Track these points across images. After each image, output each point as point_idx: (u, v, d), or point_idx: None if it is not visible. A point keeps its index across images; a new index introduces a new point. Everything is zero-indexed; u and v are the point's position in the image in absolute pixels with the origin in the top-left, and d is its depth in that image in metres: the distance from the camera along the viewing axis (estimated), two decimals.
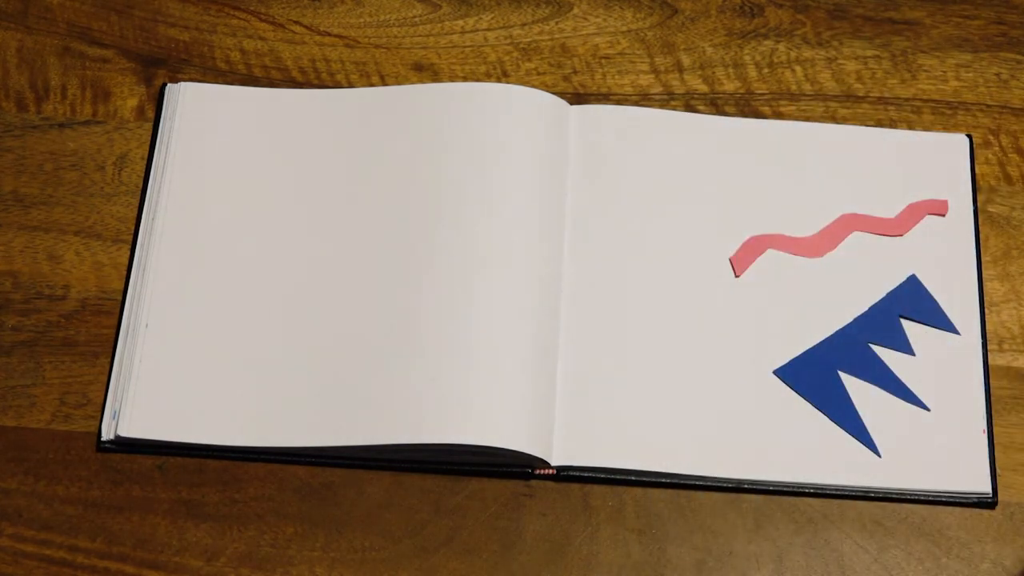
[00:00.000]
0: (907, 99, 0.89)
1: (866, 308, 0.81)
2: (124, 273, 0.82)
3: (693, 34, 0.91)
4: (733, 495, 0.77)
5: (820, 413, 0.78)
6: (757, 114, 0.88)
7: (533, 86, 0.86)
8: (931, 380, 0.79)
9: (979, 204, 0.85)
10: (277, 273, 0.81)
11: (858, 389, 0.79)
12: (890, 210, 0.84)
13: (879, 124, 0.88)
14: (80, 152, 0.86)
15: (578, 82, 0.89)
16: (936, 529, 0.76)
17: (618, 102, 0.88)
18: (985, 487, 0.77)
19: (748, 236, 0.83)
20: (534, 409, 0.76)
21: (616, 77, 0.89)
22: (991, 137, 0.87)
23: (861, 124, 0.87)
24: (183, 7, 0.91)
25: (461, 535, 0.76)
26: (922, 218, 0.84)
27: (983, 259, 0.83)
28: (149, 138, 0.86)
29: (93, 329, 0.80)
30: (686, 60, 0.90)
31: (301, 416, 0.77)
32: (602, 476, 0.77)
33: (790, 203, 0.84)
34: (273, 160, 0.84)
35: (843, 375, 0.79)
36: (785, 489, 0.77)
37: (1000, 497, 0.77)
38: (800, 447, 0.77)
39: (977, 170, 0.86)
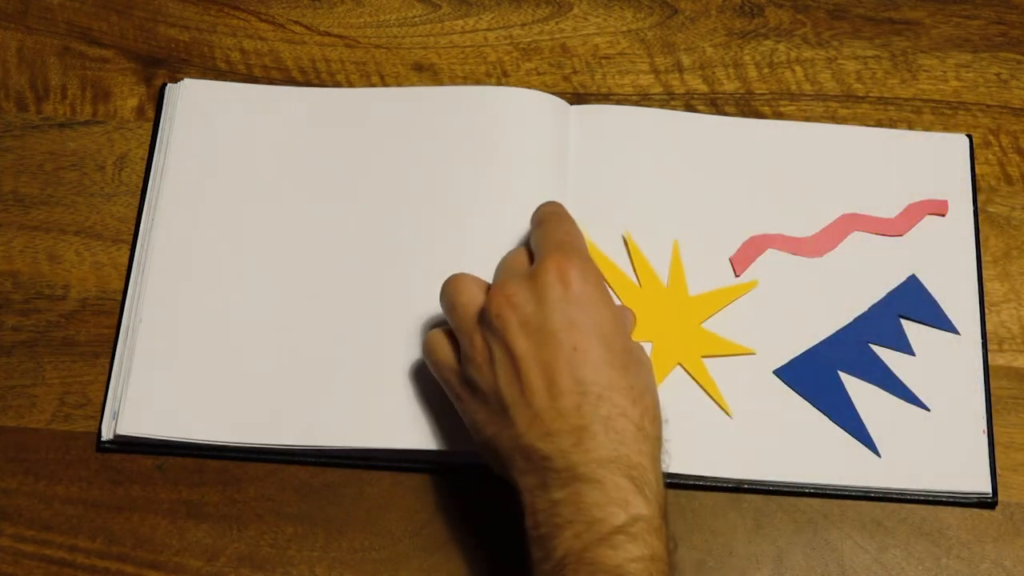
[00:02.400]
0: (907, 99, 0.89)
1: (866, 308, 0.81)
2: (124, 273, 0.82)
3: (693, 34, 0.91)
4: (733, 495, 0.77)
5: (820, 413, 0.78)
6: (757, 114, 0.88)
7: (533, 86, 0.86)
8: (931, 380, 0.79)
9: (979, 204, 0.85)
10: (277, 273, 0.81)
11: (858, 389, 0.79)
12: (890, 210, 0.84)
13: (879, 124, 0.88)
14: (80, 152, 0.86)
15: (578, 82, 0.89)
16: (936, 529, 0.76)
17: (618, 102, 0.88)
18: (985, 487, 0.77)
19: (748, 236, 0.83)
20: None
21: (616, 77, 0.89)
22: (991, 137, 0.87)
23: (861, 124, 0.87)
24: (183, 7, 0.91)
25: (461, 535, 0.76)
26: (922, 218, 0.84)
27: (983, 259, 0.83)
28: (149, 138, 0.86)
29: (93, 329, 0.80)
30: (686, 60, 0.90)
31: (301, 416, 0.77)
32: None
33: (790, 203, 0.84)
34: (273, 159, 0.84)
35: (843, 375, 0.79)
36: (785, 489, 0.77)
37: (1000, 497, 0.77)
38: (800, 447, 0.77)
39: (977, 170, 0.86)
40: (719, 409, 0.78)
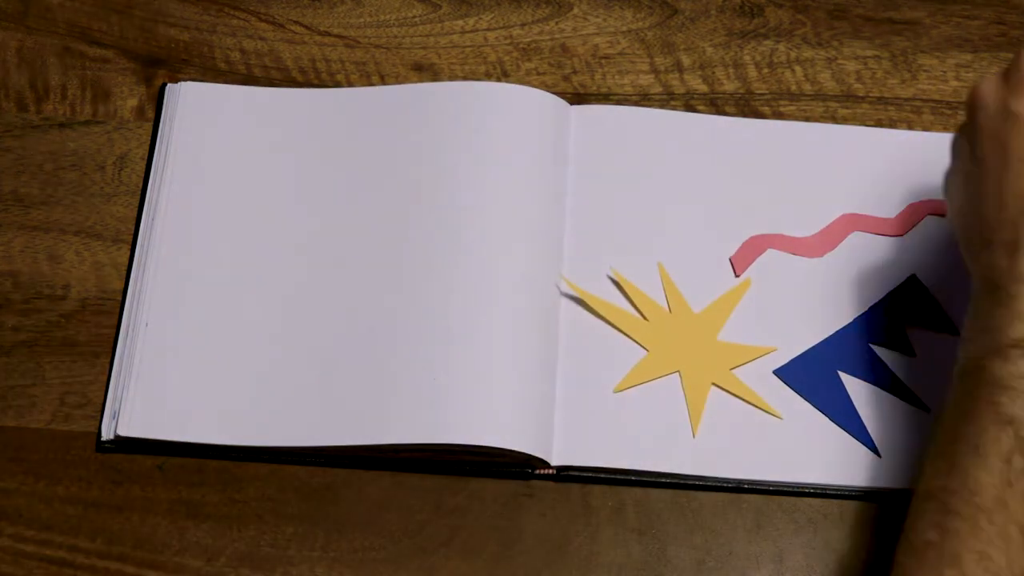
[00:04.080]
0: (907, 99, 0.89)
1: (866, 308, 0.81)
2: (124, 273, 0.82)
3: (693, 34, 0.91)
4: (733, 495, 0.77)
5: (820, 413, 0.78)
6: (757, 114, 0.88)
7: (533, 86, 0.86)
8: (931, 380, 0.79)
9: None
10: (277, 272, 0.81)
11: (858, 389, 0.79)
12: (890, 210, 0.84)
13: (879, 124, 0.88)
14: (80, 152, 0.86)
15: (578, 82, 0.89)
16: None
17: (618, 102, 0.88)
18: None
19: (748, 236, 0.83)
20: (534, 409, 0.76)
21: (616, 77, 0.89)
22: None
23: (861, 124, 0.87)
24: (183, 7, 0.91)
25: (461, 535, 0.76)
26: (922, 218, 0.84)
27: None
28: (149, 138, 0.86)
29: (93, 329, 0.80)
30: (686, 60, 0.90)
31: (301, 416, 0.77)
32: (602, 476, 0.77)
33: (790, 203, 0.84)
34: (273, 160, 0.84)
35: (843, 375, 0.79)
36: (785, 489, 0.77)
37: None
38: (800, 447, 0.77)
39: None
40: (717, 409, 0.78)
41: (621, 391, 0.78)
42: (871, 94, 0.89)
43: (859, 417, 0.78)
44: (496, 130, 0.83)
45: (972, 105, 0.69)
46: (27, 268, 0.82)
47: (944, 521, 0.63)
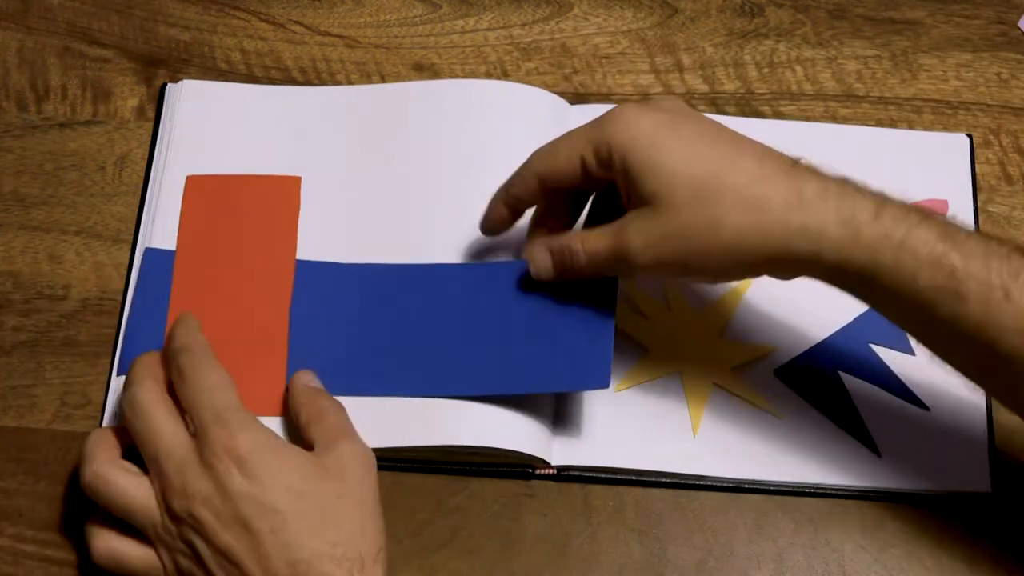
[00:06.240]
0: (907, 99, 0.89)
1: (866, 308, 0.81)
2: (124, 273, 0.82)
3: (693, 34, 0.91)
4: (733, 495, 0.77)
5: (820, 413, 0.78)
6: (757, 114, 0.88)
7: (533, 86, 0.86)
8: (931, 380, 0.79)
9: (979, 204, 0.85)
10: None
11: (858, 389, 0.79)
12: None
13: (879, 124, 0.88)
14: (80, 152, 0.86)
15: (578, 82, 0.89)
16: (936, 529, 0.76)
17: (618, 102, 0.88)
18: (985, 487, 0.77)
19: None
20: (534, 409, 0.76)
21: (616, 77, 0.89)
22: (991, 137, 0.87)
23: (861, 124, 0.87)
24: (183, 7, 0.91)
25: (461, 535, 0.76)
26: None
27: None
28: (149, 138, 0.86)
29: (93, 329, 0.80)
30: (686, 60, 0.90)
31: None
32: (602, 476, 0.77)
33: None
34: (274, 158, 0.84)
35: (843, 375, 0.79)
36: (785, 489, 0.77)
37: (1000, 497, 0.77)
38: (800, 447, 0.77)
39: (977, 170, 0.86)
40: (718, 408, 0.78)
41: (621, 391, 0.78)
42: (871, 94, 0.89)
43: (859, 417, 0.78)
44: (496, 129, 0.83)
45: None
46: (27, 268, 0.82)
47: None
